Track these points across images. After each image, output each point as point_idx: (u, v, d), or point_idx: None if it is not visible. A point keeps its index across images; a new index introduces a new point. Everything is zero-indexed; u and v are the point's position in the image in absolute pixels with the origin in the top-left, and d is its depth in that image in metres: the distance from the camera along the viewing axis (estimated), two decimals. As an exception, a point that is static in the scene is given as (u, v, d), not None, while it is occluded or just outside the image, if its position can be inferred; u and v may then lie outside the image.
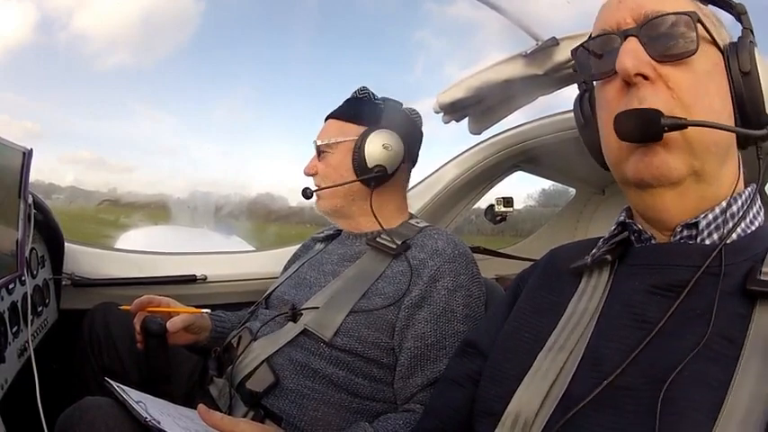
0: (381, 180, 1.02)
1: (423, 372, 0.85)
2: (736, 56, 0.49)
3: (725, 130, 0.47)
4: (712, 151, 0.48)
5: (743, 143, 0.52)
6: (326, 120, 1.11)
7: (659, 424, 0.41)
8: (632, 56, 0.48)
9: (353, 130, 1.04)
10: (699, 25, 0.48)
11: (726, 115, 0.49)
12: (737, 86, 0.49)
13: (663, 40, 0.49)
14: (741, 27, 0.53)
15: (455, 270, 0.91)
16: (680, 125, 0.45)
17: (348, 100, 1.10)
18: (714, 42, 0.50)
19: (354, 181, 1.02)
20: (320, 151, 1.06)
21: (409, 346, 0.87)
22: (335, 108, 1.11)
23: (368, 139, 1.00)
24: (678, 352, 0.44)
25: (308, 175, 1.09)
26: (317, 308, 0.92)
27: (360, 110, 1.07)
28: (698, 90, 0.48)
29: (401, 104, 1.10)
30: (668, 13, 0.49)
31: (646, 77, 0.48)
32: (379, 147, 1.00)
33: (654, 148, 0.48)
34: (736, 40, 0.52)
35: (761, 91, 0.49)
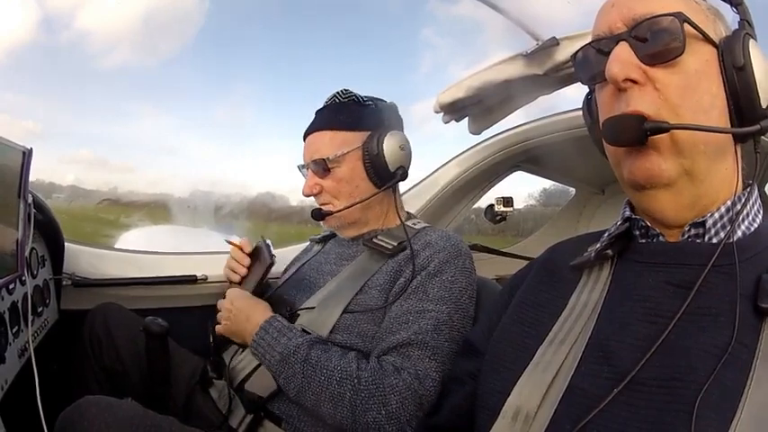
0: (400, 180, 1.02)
1: (382, 342, 0.85)
2: (730, 51, 0.49)
3: (707, 131, 0.47)
4: (701, 150, 0.49)
5: (738, 138, 0.51)
6: (311, 133, 1.03)
7: (676, 422, 0.41)
8: (620, 61, 0.49)
9: (354, 138, 1.00)
10: (686, 25, 0.48)
11: (716, 112, 0.49)
12: (731, 82, 0.49)
13: (651, 43, 0.49)
14: (739, 19, 0.53)
15: (441, 258, 0.91)
16: (661, 129, 0.47)
17: (331, 107, 1.04)
18: (707, 39, 0.50)
19: (379, 192, 1.00)
20: (321, 168, 1.00)
21: (383, 323, 0.88)
22: (317, 121, 1.05)
23: (384, 143, 0.98)
24: (692, 351, 0.44)
25: (309, 195, 1.03)
26: (313, 308, 0.93)
27: (353, 115, 1.02)
28: (686, 90, 0.49)
29: (385, 102, 1.07)
30: (655, 16, 0.49)
31: (635, 81, 0.49)
32: (396, 148, 0.99)
33: (645, 151, 0.49)
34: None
35: (755, 85, 0.48)
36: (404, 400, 0.78)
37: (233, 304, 0.95)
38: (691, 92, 0.49)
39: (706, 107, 0.49)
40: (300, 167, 1.07)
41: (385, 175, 0.99)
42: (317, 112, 1.06)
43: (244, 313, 0.92)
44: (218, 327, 0.96)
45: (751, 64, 0.48)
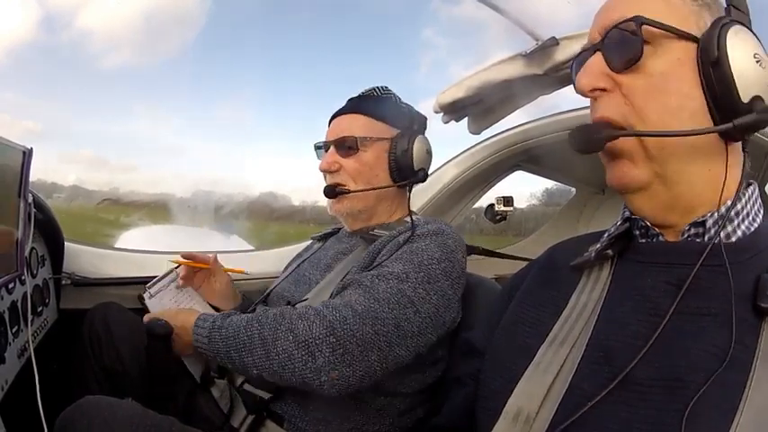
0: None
1: (340, 295, 0.85)
2: (706, 44, 0.47)
3: (654, 136, 0.48)
4: (670, 152, 0.49)
5: (725, 137, 0.49)
6: (343, 114, 1.06)
7: (676, 423, 0.41)
8: (589, 73, 0.51)
9: (386, 130, 1.03)
10: (646, 27, 0.48)
11: (687, 113, 0.48)
12: (707, 78, 0.47)
13: (617, 51, 0.50)
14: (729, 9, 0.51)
15: (418, 233, 0.91)
16: (613, 136, 0.48)
17: (369, 97, 1.07)
18: (682, 35, 0.48)
19: (394, 185, 1.02)
20: (348, 146, 1.01)
21: None
22: (352, 104, 1.07)
23: (416, 142, 1.01)
24: (692, 351, 0.44)
25: (326, 171, 1.04)
26: (306, 299, 0.94)
27: (389, 110, 1.05)
28: (650, 93, 0.49)
29: (419, 111, 1.11)
30: (619, 23, 0.50)
31: (604, 89, 0.50)
32: (424, 151, 1.03)
33: (618, 159, 0.51)
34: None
35: (732, 79, 0.45)
36: (311, 324, 0.76)
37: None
38: (656, 94, 0.48)
39: (673, 108, 0.48)
40: (318, 146, 1.08)
41: (407, 173, 1.02)
42: (352, 99, 1.09)
43: (183, 327, 0.88)
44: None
45: (727, 56, 0.46)
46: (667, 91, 0.48)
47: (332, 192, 1.02)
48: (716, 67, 0.46)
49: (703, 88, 0.47)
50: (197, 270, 1.10)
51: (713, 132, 0.47)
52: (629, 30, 0.49)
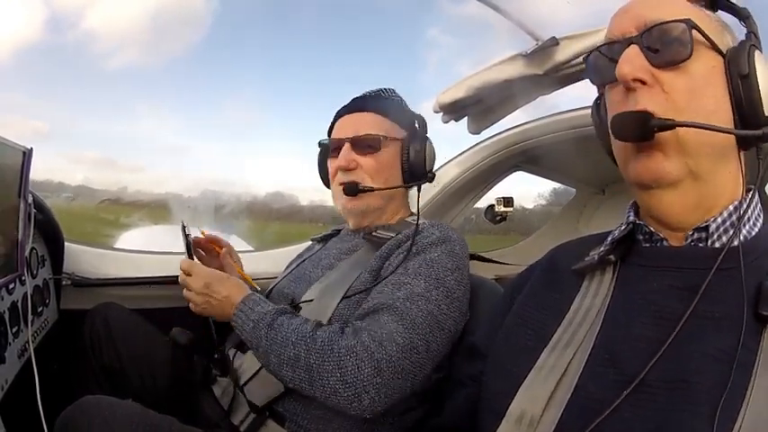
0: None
1: (360, 308, 0.86)
2: (736, 59, 0.51)
3: (711, 129, 0.48)
4: (706, 151, 0.50)
5: (741, 144, 0.53)
6: (357, 111, 1.06)
7: (681, 425, 0.42)
8: (630, 62, 0.51)
9: (398, 131, 1.05)
10: (695, 31, 0.50)
11: (721, 117, 0.50)
12: (735, 89, 0.50)
13: (660, 47, 0.51)
14: (746, 30, 0.54)
15: (427, 242, 0.91)
16: (668, 125, 0.48)
17: (379, 97, 1.08)
18: (714, 47, 0.51)
19: (411, 185, 1.04)
20: (368, 144, 1.01)
21: None
22: (364, 102, 1.07)
23: (428, 144, 1.03)
24: (697, 354, 0.45)
25: (345, 169, 1.02)
26: (312, 300, 0.94)
27: (400, 111, 1.07)
28: (692, 93, 0.50)
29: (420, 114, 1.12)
30: (666, 22, 0.51)
31: (644, 82, 0.51)
32: (433, 153, 1.05)
33: (651, 152, 0.51)
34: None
35: (759, 93, 0.50)
36: (360, 362, 0.76)
37: (210, 288, 0.90)
38: (696, 95, 0.50)
39: (710, 111, 0.50)
40: (322, 143, 1.11)
41: (418, 174, 1.03)
42: (361, 98, 1.09)
43: (228, 299, 0.89)
44: (192, 307, 0.92)
45: (755, 73, 0.50)
46: (705, 94, 0.51)
47: (354, 189, 1.00)
48: (745, 80, 0.50)
49: (731, 97, 0.51)
50: (212, 250, 1.18)
51: (759, 134, 0.50)
52: (677, 31, 0.50)
